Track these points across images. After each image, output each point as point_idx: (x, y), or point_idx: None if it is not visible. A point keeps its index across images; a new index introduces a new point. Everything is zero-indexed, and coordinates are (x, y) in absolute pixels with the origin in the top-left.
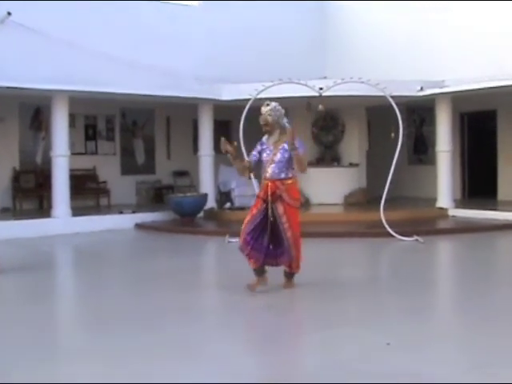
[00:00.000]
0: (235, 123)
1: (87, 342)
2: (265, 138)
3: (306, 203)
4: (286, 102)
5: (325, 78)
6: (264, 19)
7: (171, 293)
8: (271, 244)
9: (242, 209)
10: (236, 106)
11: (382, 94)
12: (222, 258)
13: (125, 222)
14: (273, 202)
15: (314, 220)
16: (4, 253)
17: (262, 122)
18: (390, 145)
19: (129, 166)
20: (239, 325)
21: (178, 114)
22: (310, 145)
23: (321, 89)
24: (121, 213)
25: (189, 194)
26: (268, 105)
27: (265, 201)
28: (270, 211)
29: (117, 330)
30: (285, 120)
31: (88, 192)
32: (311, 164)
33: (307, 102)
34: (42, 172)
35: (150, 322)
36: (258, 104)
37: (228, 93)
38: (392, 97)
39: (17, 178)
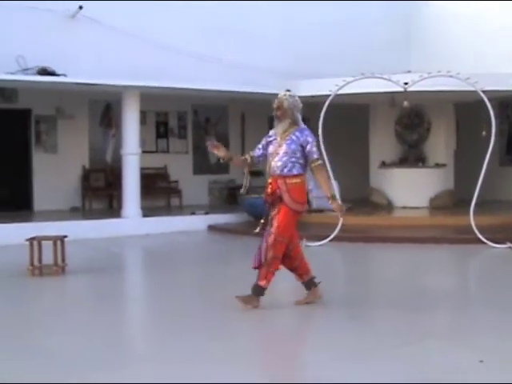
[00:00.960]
0: (313, 121)
1: (157, 345)
2: (272, 131)
3: (388, 206)
4: (367, 98)
5: (409, 72)
6: (344, 11)
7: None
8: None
9: (320, 211)
10: (314, 103)
11: (472, 88)
12: None
13: (197, 223)
14: (271, 204)
15: (396, 224)
16: (73, 254)
17: (275, 105)
18: (480, 144)
19: (201, 165)
20: (318, 334)
21: (252, 111)
22: (392, 144)
23: (406, 84)
24: (193, 214)
25: (263, 195)
26: (289, 90)
27: (266, 200)
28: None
29: (186, 333)
30: (299, 117)
31: (159, 192)
32: (394, 164)
33: (391, 98)
34: (112, 171)
35: (220, 328)
36: (338, 100)
37: (306, 88)
38: (483, 91)
39: (86, 176)
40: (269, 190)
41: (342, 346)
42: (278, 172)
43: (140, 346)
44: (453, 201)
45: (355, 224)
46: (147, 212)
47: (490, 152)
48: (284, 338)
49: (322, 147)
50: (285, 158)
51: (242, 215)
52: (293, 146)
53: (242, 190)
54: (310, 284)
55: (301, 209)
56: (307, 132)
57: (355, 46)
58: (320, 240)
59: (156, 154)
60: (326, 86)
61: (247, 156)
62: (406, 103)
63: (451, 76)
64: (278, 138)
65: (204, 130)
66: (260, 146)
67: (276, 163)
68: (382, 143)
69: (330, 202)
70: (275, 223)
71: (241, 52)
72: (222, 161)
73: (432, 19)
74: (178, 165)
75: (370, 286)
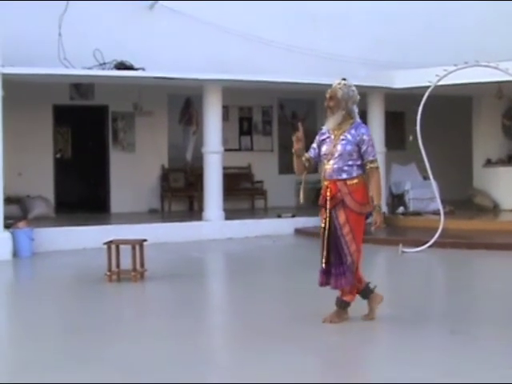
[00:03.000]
0: (410, 115)
1: (240, 358)
2: (324, 127)
3: (493, 209)
4: (471, 89)
5: None
6: None
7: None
8: (327, 262)
9: (417, 214)
10: (411, 95)
11: None
12: (394, 271)
13: (283, 226)
14: (332, 207)
15: (504, 229)
16: (152, 258)
17: (327, 95)
18: None
19: (288, 164)
20: (419, 350)
21: None
22: (499, 140)
23: None
24: (279, 217)
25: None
26: (344, 79)
27: (324, 207)
28: (327, 220)
29: (270, 346)
30: (356, 111)
31: (242, 193)
32: (502, 162)
33: (498, 89)
34: (193, 170)
35: (308, 340)
36: (438, 92)
37: (402, 80)
38: None
39: (165, 176)
40: (328, 194)
41: (447, 365)
42: (335, 177)
43: (220, 358)
44: None
45: (457, 229)
46: (230, 214)
47: None
48: (382, 354)
49: (420, 143)
50: (341, 162)
51: None
52: (348, 148)
53: (301, 200)
54: (366, 292)
55: (367, 210)
56: (364, 129)
57: (457, 32)
58: (418, 246)
59: (239, 153)
60: (424, 77)
61: (304, 159)
62: None
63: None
64: (332, 136)
65: (290, 126)
66: (314, 145)
67: (332, 167)
68: (487, 139)
69: (373, 210)
70: (348, 234)
71: (331, 42)
72: (293, 152)
73: None
74: (263, 164)
75: (472, 298)
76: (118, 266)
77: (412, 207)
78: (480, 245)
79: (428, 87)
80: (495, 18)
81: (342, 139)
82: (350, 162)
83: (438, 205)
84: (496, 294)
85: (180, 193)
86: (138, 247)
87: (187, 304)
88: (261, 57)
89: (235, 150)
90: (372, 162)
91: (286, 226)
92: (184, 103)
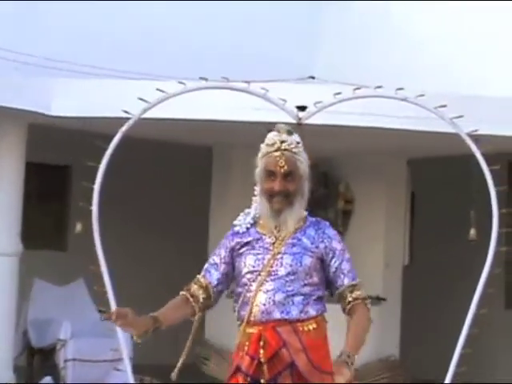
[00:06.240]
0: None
1: None
2: (243, 217)
3: None
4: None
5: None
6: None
7: None
8: None
9: None
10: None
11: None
12: None
13: None
14: (271, 379)
15: None
16: None
17: (280, 163)
18: None
19: None
20: None
21: None
22: None
23: (301, 109)
24: None
25: (243, 363)
26: (290, 133)
27: (252, 377)
28: None
29: None
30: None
31: None
32: None
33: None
34: None
35: None
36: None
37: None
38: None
39: None
40: (261, 352)
41: None
42: (276, 315)
43: None
44: None
45: None
46: None
47: None
48: None
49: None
50: (289, 287)
51: None
52: (306, 261)
53: (173, 375)
54: None
55: (330, 380)
56: (331, 230)
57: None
58: None
59: None
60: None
61: (187, 293)
62: None
63: (404, 99)
64: (268, 239)
65: None
66: (216, 258)
67: (269, 296)
68: None
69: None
70: None
71: None
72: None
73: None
74: None
75: None
76: None
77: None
78: None
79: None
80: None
81: (292, 244)
82: (307, 290)
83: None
84: None
85: None
86: None
87: None
88: None
89: None
90: (354, 289)
91: None
92: None
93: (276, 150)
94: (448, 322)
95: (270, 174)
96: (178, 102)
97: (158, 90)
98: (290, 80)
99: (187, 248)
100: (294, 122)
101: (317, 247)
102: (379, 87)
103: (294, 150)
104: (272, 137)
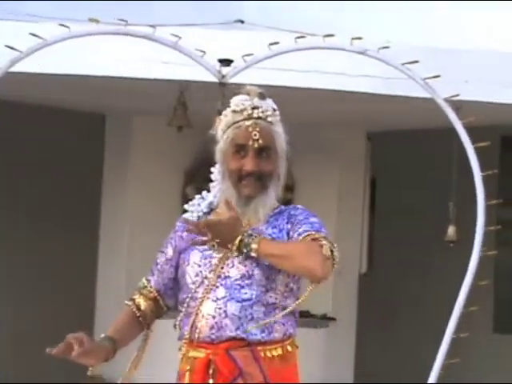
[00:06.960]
0: None
1: None
2: (199, 206)
3: None
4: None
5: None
6: None
7: None
8: None
9: None
10: None
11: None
12: None
13: None
14: None
15: None
16: None
17: (254, 136)
18: None
19: None
20: None
21: None
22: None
23: (225, 63)
24: None
25: None
26: (263, 97)
27: None
28: None
29: None
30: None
31: None
32: None
33: (177, 103)
34: None
35: None
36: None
37: None
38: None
39: None
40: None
41: None
42: (229, 333)
43: None
44: None
45: None
46: None
47: None
48: None
49: None
50: (245, 293)
51: None
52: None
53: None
54: None
55: None
56: (296, 208)
57: None
58: None
59: None
60: None
61: (133, 306)
62: None
63: (362, 52)
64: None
65: None
66: (161, 257)
67: (219, 306)
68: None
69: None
70: None
71: None
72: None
73: None
74: None
75: None
76: None
77: None
78: None
79: None
80: None
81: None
82: (269, 298)
83: None
84: None
85: None
86: None
87: None
88: None
89: None
90: (309, 236)
91: None
92: None
93: (247, 119)
94: (419, 346)
95: (238, 149)
96: (59, 51)
97: (31, 34)
98: (210, 24)
99: (75, 239)
100: (215, 80)
101: (281, 233)
102: (330, 36)
103: (269, 118)
104: (240, 101)
